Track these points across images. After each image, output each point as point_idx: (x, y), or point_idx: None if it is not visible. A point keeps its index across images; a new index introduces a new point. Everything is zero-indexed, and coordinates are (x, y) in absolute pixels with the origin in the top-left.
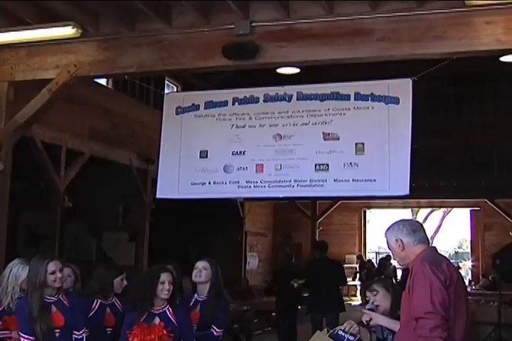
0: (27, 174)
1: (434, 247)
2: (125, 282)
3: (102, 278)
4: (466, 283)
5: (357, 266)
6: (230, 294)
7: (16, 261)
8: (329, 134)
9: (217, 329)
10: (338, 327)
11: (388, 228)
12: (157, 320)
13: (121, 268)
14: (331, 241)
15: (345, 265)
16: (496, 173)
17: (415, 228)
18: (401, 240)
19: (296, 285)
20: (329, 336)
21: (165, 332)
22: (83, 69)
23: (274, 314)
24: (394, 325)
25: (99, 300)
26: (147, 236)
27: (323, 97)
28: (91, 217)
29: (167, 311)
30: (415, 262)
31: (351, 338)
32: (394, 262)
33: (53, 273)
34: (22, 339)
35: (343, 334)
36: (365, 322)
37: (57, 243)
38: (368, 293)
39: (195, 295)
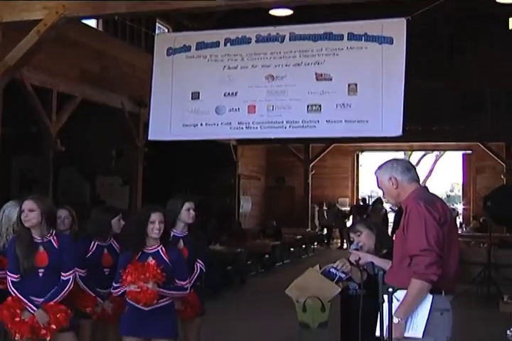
0: (18, 119)
1: (426, 186)
2: (122, 222)
3: (99, 221)
4: (458, 225)
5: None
6: (224, 238)
7: (9, 203)
8: (322, 75)
9: (203, 264)
10: (330, 265)
11: (380, 166)
12: (151, 260)
13: (118, 209)
14: (324, 184)
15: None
16: (489, 116)
17: (408, 166)
18: (395, 178)
19: None
20: (321, 273)
21: (158, 271)
22: (72, 10)
23: (267, 256)
24: (382, 262)
25: (97, 242)
26: (140, 180)
27: (315, 37)
28: (84, 161)
29: (160, 250)
30: (408, 200)
31: (342, 275)
32: (386, 206)
33: (23, 212)
34: (8, 277)
35: (334, 271)
36: (354, 262)
37: (51, 187)
38: (351, 234)
39: (171, 231)
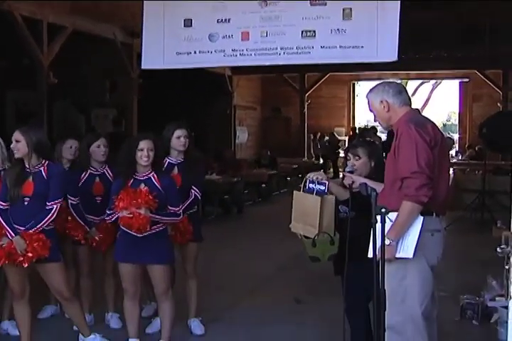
0: (10, 51)
1: (418, 109)
2: (103, 148)
3: (82, 149)
4: (453, 154)
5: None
6: (219, 167)
7: None
8: None
9: (198, 191)
10: (307, 179)
11: (372, 89)
12: (143, 186)
13: (99, 134)
14: (320, 114)
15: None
16: (488, 43)
17: (400, 89)
18: (386, 101)
19: None
20: (303, 192)
21: (150, 197)
22: None
23: (263, 185)
24: (375, 185)
25: (89, 171)
26: (136, 111)
27: None
28: (77, 94)
29: (152, 177)
30: (400, 123)
31: (322, 188)
32: (380, 135)
33: (12, 143)
34: None
35: (312, 186)
36: (347, 186)
37: (46, 120)
38: (350, 155)
39: (166, 158)
